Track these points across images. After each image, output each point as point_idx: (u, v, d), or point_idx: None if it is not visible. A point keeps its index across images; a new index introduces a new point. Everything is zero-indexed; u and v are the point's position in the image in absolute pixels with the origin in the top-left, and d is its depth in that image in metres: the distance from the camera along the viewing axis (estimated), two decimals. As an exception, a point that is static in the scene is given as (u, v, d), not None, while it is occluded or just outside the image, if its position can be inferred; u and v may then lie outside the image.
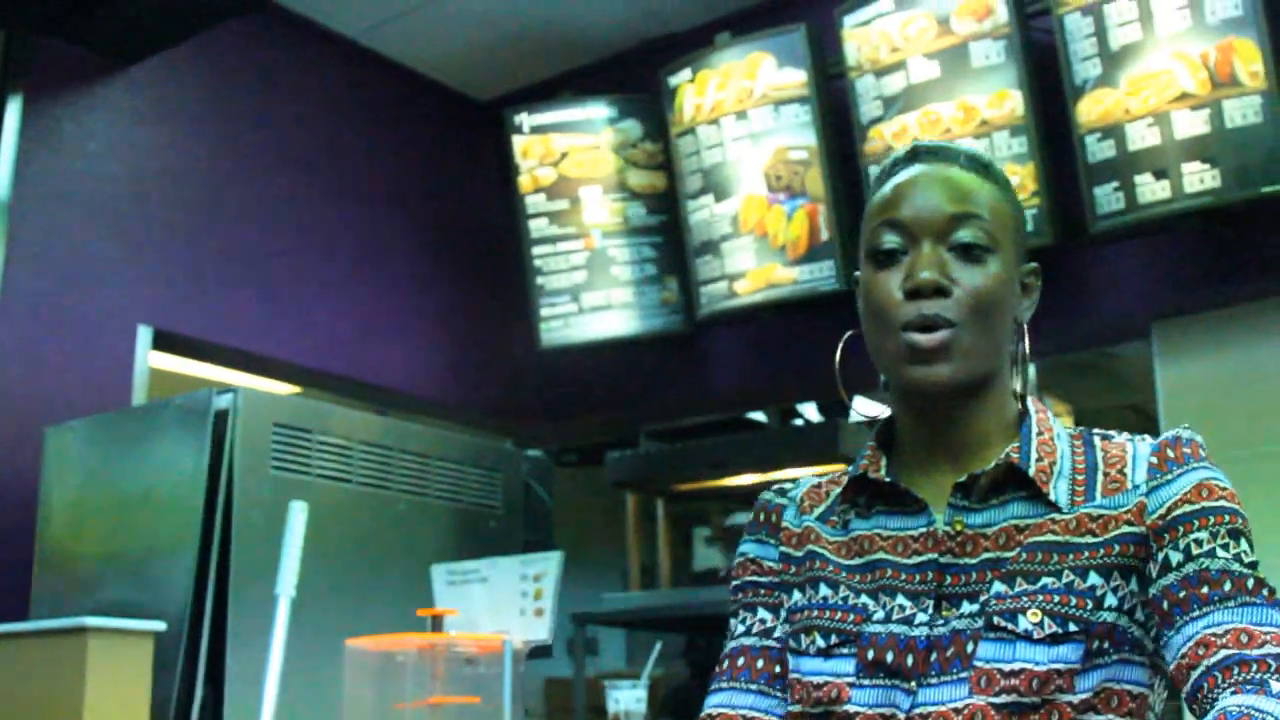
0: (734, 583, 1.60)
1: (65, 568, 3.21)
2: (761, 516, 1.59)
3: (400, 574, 3.14)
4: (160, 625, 2.65)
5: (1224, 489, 1.37)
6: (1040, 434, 1.45)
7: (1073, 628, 1.31)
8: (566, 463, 5.26)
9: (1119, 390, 5.44)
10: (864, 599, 1.43)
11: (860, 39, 3.92)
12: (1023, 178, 3.66)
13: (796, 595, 1.50)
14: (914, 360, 1.39)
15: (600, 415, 4.86)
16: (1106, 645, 1.32)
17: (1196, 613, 1.29)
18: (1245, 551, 1.33)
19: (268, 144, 4.38)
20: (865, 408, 1.61)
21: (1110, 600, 1.35)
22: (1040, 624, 1.31)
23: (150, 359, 3.97)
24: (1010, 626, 1.32)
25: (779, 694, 1.50)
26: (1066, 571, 1.34)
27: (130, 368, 3.88)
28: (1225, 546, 1.33)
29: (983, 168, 1.48)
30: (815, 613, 1.46)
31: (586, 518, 5.56)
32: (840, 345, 1.57)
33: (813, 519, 1.54)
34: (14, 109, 3.73)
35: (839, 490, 1.53)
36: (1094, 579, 1.35)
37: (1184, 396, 3.70)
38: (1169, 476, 1.39)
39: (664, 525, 4.90)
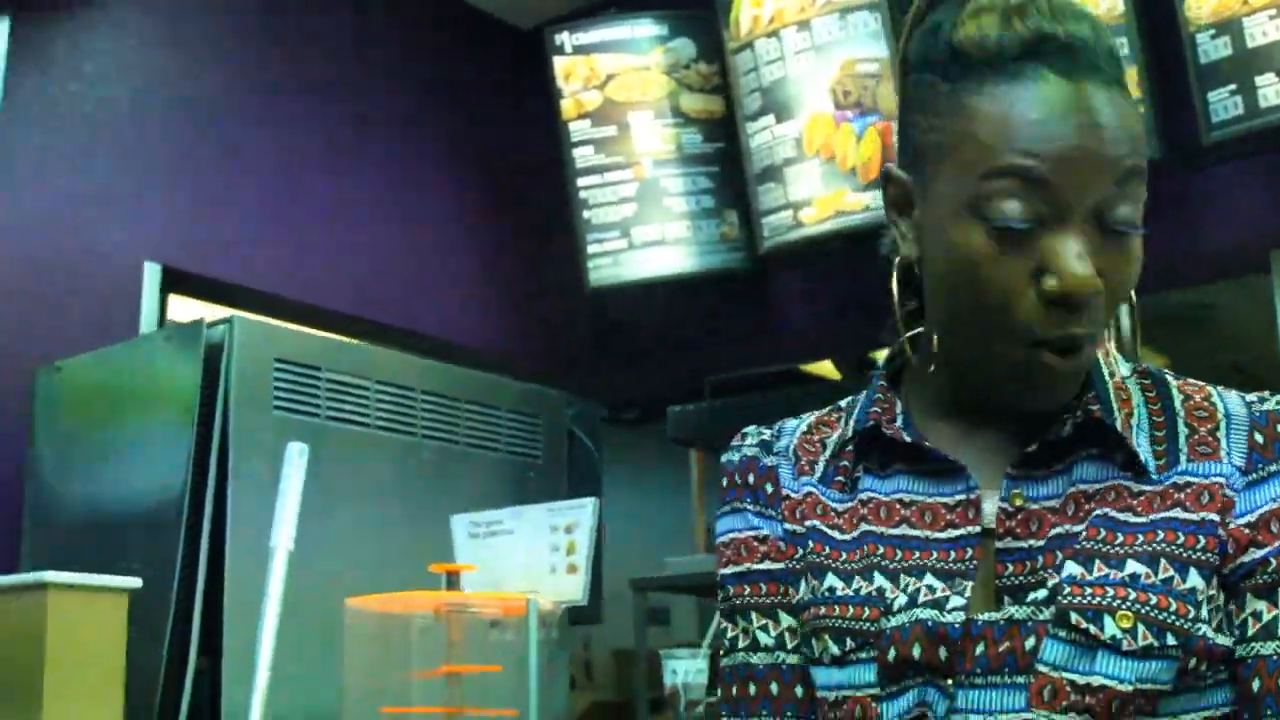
0: (728, 569, 1.23)
1: (53, 520, 2.97)
2: (751, 479, 1.24)
3: (423, 528, 2.84)
4: (136, 582, 2.37)
5: None
6: (1111, 375, 1.14)
7: (1170, 640, 1.02)
8: (626, 419, 5.02)
9: (1220, 345, 5.09)
10: (880, 581, 1.12)
11: (938, -67, 3.58)
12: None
13: (802, 587, 1.19)
14: (1037, 378, 1.06)
15: (656, 361, 4.60)
16: (1203, 667, 1.04)
17: None
18: None
19: (290, 69, 4.12)
20: None
21: (1206, 609, 1.05)
22: (1133, 630, 1.02)
23: (168, 304, 3.70)
24: (1093, 630, 1.03)
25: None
26: (1163, 563, 1.04)
27: (137, 307, 3.59)
28: None
29: (1120, 68, 1.08)
30: (824, 610, 1.15)
31: (649, 476, 5.44)
32: (894, 281, 1.19)
33: (814, 481, 1.21)
34: (2, 27, 3.44)
35: (836, 440, 1.20)
36: (1195, 579, 1.05)
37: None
38: (1271, 470, 1.08)
39: None
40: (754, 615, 1.20)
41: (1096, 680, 1.01)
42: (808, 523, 1.18)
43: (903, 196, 1.14)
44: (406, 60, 4.49)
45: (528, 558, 2.44)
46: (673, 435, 4.35)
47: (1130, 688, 1.00)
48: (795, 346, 4.37)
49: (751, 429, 1.27)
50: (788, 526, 1.19)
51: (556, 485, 3.28)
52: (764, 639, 1.20)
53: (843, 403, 1.24)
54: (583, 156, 4.24)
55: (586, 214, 4.24)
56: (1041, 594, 1.05)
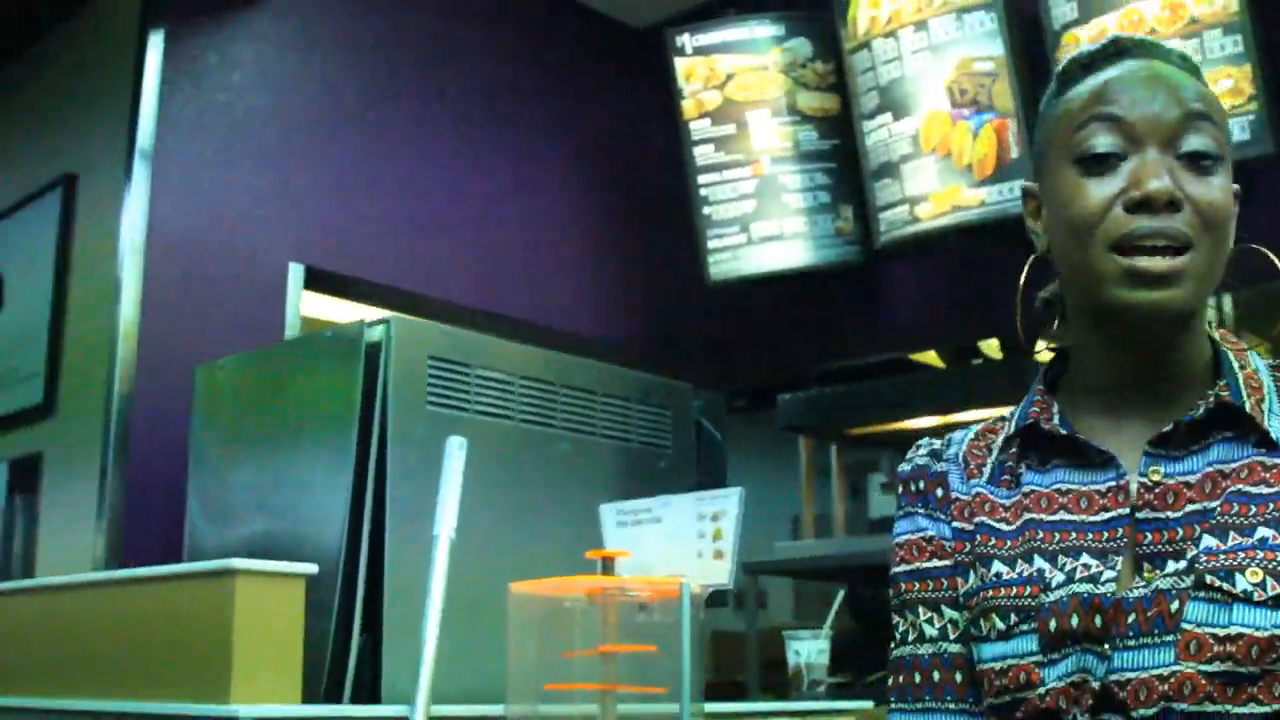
0: (901, 568, 1.39)
1: (217, 509, 3.13)
2: (921, 485, 1.40)
3: (565, 515, 2.98)
4: (312, 568, 2.52)
5: None
6: (1243, 367, 1.28)
7: None
8: (736, 407, 5.15)
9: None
10: (1040, 563, 1.25)
11: (1052, -66, 3.70)
12: (1237, 80, 3.42)
13: (970, 578, 1.32)
14: (1138, 284, 1.20)
15: (770, 352, 4.74)
16: None
17: None
18: None
19: (418, 74, 4.30)
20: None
21: None
22: (1262, 584, 1.13)
23: (304, 299, 3.91)
24: (1226, 586, 1.14)
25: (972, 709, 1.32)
26: None
27: (282, 306, 3.81)
28: None
29: (1197, 71, 1.29)
30: (990, 593, 1.29)
31: (759, 462, 5.49)
32: (1024, 274, 1.38)
33: (982, 482, 1.35)
34: (156, 43, 3.68)
35: (1001, 440, 1.36)
36: None
37: None
38: None
39: (838, 471, 4.84)
40: (921, 609, 1.35)
41: (1235, 630, 1.12)
42: (976, 519, 1.32)
43: (1034, 205, 1.34)
44: (526, 62, 4.65)
45: (674, 544, 2.57)
46: (782, 423, 4.48)
47: (1266, 634, 1.12)
48: (904, 337, 4.48)
49: (924, 440, 1.44)
50: (956, 525, 1.34)
51: (685, 472, 3.40)
52: (929, 631, 1.34)
53: (1005, 412, 1.39)
54: (703, 154, 4.38)
55: (707, 210, 4.38)
56: (1182, 564, 1.17)
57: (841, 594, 3.48)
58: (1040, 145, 1.33)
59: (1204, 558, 1.17)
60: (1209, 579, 1.15)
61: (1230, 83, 3.40)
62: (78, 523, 3.55)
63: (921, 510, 1.39)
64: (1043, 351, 1.41)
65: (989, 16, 3.83)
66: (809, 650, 3.27)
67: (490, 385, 2.96)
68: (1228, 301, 3.77)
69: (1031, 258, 1.35)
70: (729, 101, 4.37)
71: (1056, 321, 1.37)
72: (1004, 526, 1.30)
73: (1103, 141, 1.23)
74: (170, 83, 3.66)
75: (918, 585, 1.36)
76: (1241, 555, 1.15)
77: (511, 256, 4.45)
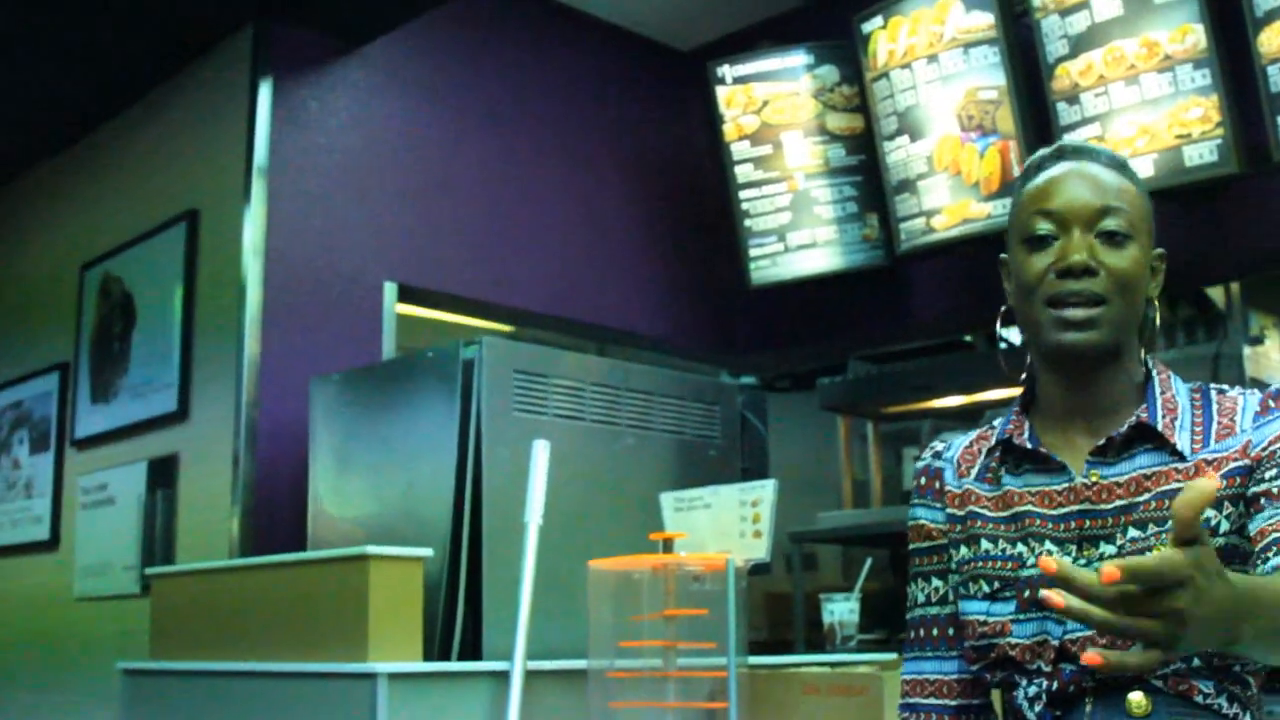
0: (911, 546, 1.83)
1: (335, 503, 3.56)
2: (924, 480, 1.82)
3: (630, 502, 3.36)
4: (429, 551, 2.96)
5: None
6: (1164, 393, 1.66)
7: None
8: (779, 388, 5.39)
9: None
10: (1019, 548, 1.65)
11: (1045, -20, 4.04)
12: (1206, 109, 3.75)
13: (963, 550, 1.73)
14: (1066, 329, 1.62)
15: (808, 344, 5.07)
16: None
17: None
18: None
19: (488, 108, 4.68)
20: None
21: (1224, 525, 1.56)
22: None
23: (396, 309, 4.33)
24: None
25: (961, 654, 1.75)
26: None
27: (380, 318, 4.25)
28: None
29: (1120, 166, 1.70)
30: (980, 564, 1.70)
31: (801, 440, 5.59)
32: (998, 321, 1.77)
33: (971, 480, 1.76)
34: (265, 92, 4.11)
35: (988, 447, 1.75)
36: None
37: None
38: (1269, 419, 1.60)
39: (874, 445, 5.06)
40: (920, 582, 1.81)
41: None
42: (967, 508, 1.73)
43: (1006, 270, 1.76)
44: (585, 90, 5.03)
45: (721, 525, 3.00)
46: (822, 403, 4.82)
47: None
48: (923, 330, 4.82)
49: (935, 442, 1.88)
50: (950, 511, 1.75)
51: (732, 459, 3.78)
52: (931, 597, 1.80)
53: (995, 422, 1.80)
54: (743, 173, 4.78)
55: (748, 222, 4.79)
56: (1112, 549, 1.56)
57: (870, 561, 3.78)
58: (1008, 225, 1.75)
59: (1129, 544, 1.54)
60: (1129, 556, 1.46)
61: (1200, 111, 3.74)
62: (212, 513, 3.97)
63: (923, 501, 1.80)
64: (1016, 377, 1.81)
65: (992, 51, 4.19)
66: (840, 610, 3.64)
67: (565, 392, 3.36)
68: (1235, 288, 4.18)
69: (1003, 308, 1.76)
70: (765, 124, 4.74)
71: (1028, 358, 1.77)
72: (989, 513, 1.69)
73: (1041, 227, 1.64)
74: (277, 129, 4.10)
75: (917, 561, 1.80)
76: (1154, 541, 1.53)
77: (578, 266, 4.85)
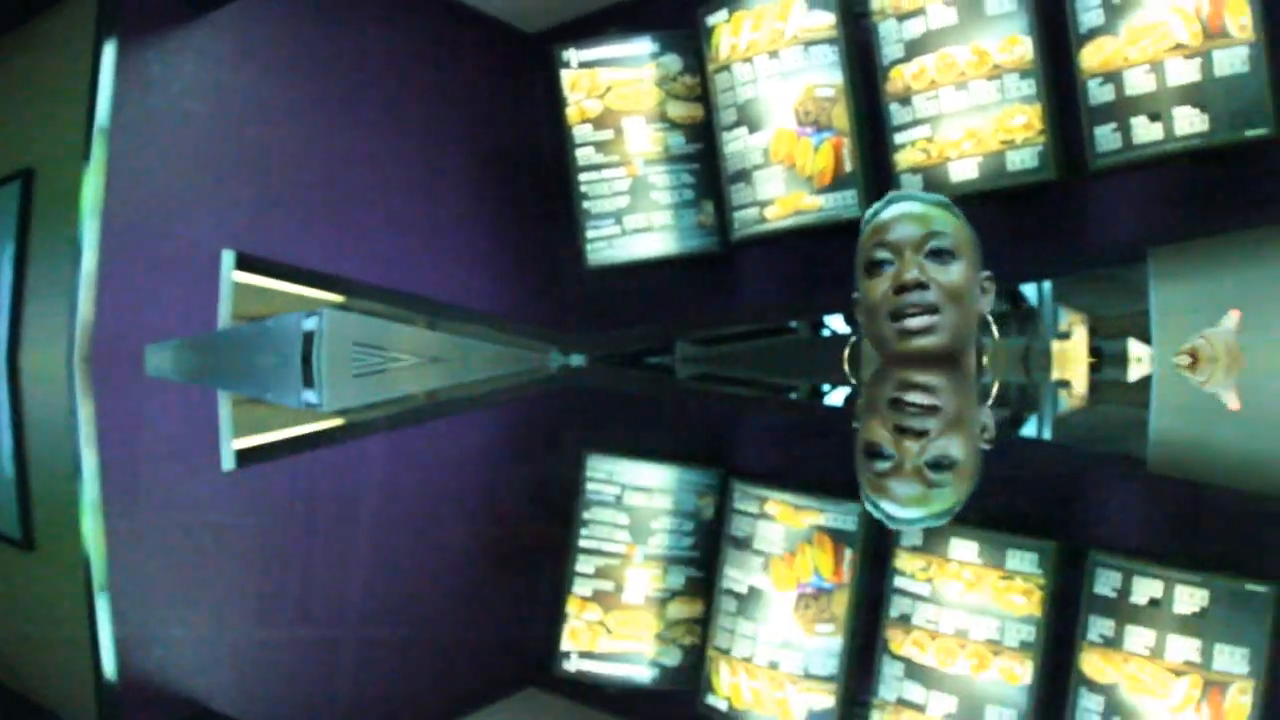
0: None
1: None
2: None
3: None
4: None
5: None
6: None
7: None
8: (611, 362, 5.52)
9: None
10: None
11: (884, -16, 4.19)
12: (1030, 117, 3.94)
13: None
14: (908, 337, 1.83)
15: (643, 328, 5.19)
16: None
17: None
18: None
19: (332, 82, 4.72)
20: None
21: None
22: None
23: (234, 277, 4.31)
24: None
25: None
26: None
27: (217, 286, 4.25)
28: None
29: (944, 204, 1.96)
30: None
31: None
32: (846, 352, 2.03)
33: None
34: (110, 53, 4.08)
35: None
36: None
37: (1174, 315, 4.00)
38: None
39: None
40: None
41: None
42: None
43: (859, 306, 1.97)
44: (430, 68, 5.09)
45: None
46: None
47: None
48: (754, 315, 4.96)
49: None
50: None
51: None
52: None
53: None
54: (584, 156, 4.88)
55: (586, 204, 4.89)
56: None
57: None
58: (855, 264, 1.98)
59: None
60: None
61: (1024, 119, 3.93)
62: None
63: None
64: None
65: (832, 50, 4.35)
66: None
67: (400, 364, 3.46)
68: (1047, 285, 4.35)
69: (853, 338, 2.01)
70: (608, 110, 4.85)
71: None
72: None
73: (879, 255, 1.92)
74: (121, 91, 4.07)
75: None
76: None
77: (413, 241, 4.91)
